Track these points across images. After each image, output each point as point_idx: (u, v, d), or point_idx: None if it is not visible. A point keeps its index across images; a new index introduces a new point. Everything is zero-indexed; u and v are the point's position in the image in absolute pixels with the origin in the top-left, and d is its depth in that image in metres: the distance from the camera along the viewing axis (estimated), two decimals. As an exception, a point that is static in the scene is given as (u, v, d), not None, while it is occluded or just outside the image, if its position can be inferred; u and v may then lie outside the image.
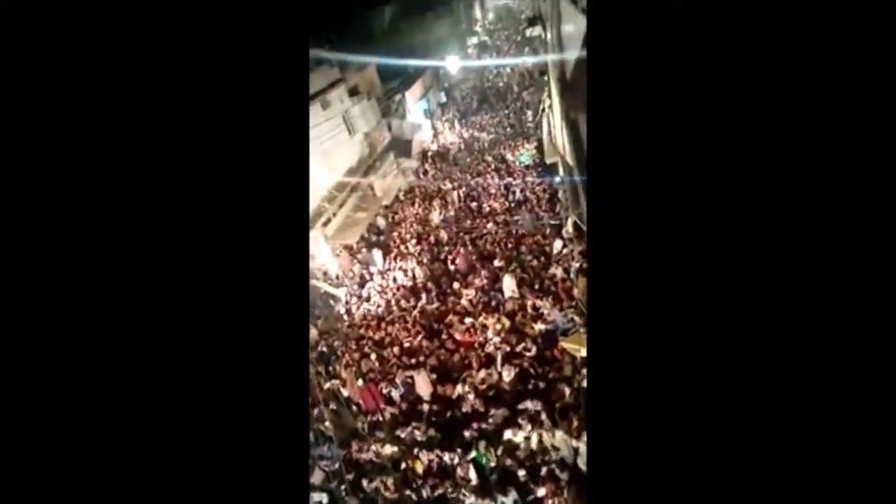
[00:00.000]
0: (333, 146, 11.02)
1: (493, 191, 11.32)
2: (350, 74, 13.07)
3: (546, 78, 9.72)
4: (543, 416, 4.61)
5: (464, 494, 4.27)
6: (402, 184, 13.57)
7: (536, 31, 12.08)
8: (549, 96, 8.88)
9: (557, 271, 6.89)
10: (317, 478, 4.99)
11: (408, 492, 4.57)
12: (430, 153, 15.96)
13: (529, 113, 15.73)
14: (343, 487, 4.80)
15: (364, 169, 12.40)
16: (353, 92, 12.95)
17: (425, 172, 14.50)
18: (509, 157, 13.22)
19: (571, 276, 6.46)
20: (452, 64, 18.91)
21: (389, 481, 4.63)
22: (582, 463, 4.09)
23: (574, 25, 5.21)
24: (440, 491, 4.44)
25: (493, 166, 12.97)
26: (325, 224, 10.10)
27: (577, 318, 5.53)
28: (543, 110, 10.15)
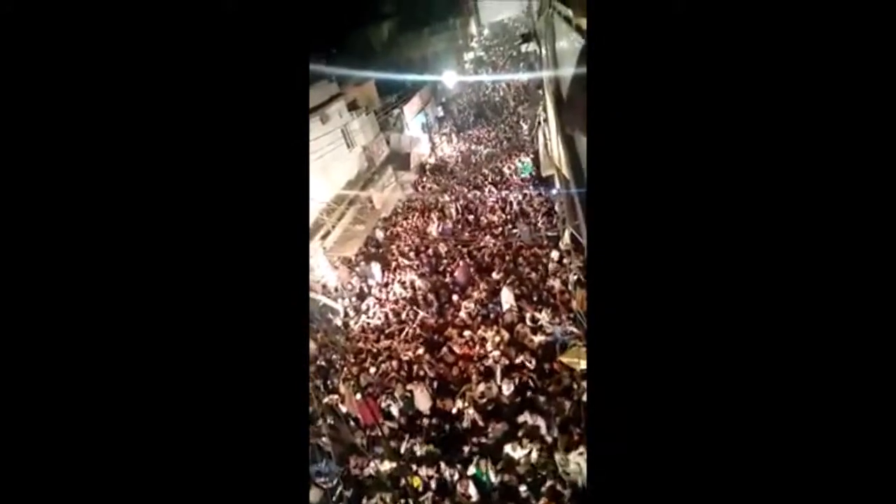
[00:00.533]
0: (332, 159, 11.09)
1: (490, 203, 11.38)
2: (349, 89, 13.24)
3: (541, 92, 9.86)
4: (543, 431, 4.58)
5: (464, 511, 4.22)
6: (400, 196, 13.63)
7: (531, 47, 12.28)
8: (545, 110, 8.99)
9: (555, 283, 6.90)
10: (315, 496, 4.91)
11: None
12: (427, 166, 16.07)
13: (525, 126, 15.91)
14: (341, 505, 4.73)
15: (363, 182, 12.47)
16: (352, 106, 13.11)
17: (423, 185, 14.58)
18: (506, 169, 13.32)
19: (569, 287, 6.46)
20: (449, 79, 19.15)
21: (388, 498, 4.56)
22: (581, 476, 4.04)
23: (568, 42, 5.32)
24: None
25: (490, 179, 13.06)
26: (324, 237, 10.11)
27: (575, 330, 5.53)
28: (539, 124, 10.27)
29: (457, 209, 11.70)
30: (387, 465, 4.95)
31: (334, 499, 4.85)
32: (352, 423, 5.85)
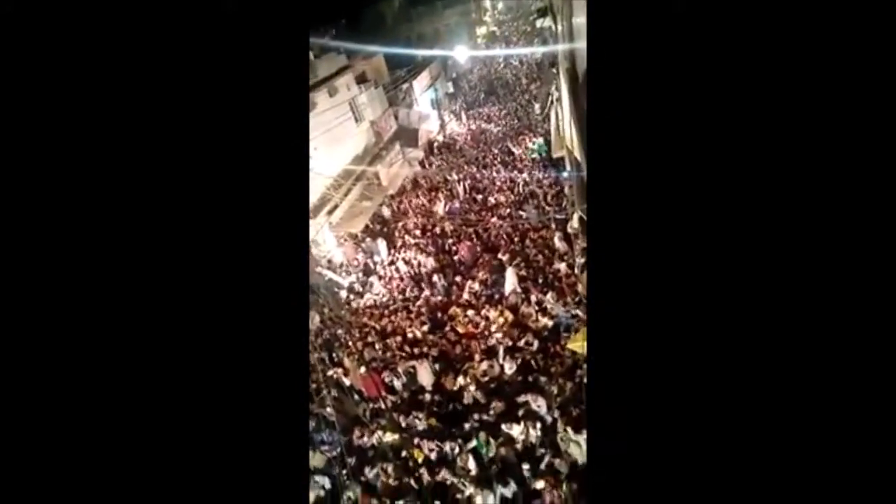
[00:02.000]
0: (340, 133, 10.98)
1: (498, 183, 11.28)
2: (357, 62, 13.02)
3: (555, 70, 9.62)
4: (544, 411, 4.66)
5: (463, 484, 4.33)
6: (407, 173, 13.53)
7: (546, 22, 11.90)
8: (558, 89, 8.80)
9: (561, 266, 6.90)
10: (318, 462, 5.06)
11: (408, 479, 4.63)
12: (436, 144, 15.89)
13: (537, 105, 15.61)
14: (344, 472, 4.87)
15: (370, 158, 12.37)
16: (361, 79, 12.90)
17: (430, 163, 14.45)
18: (516, 150, 13.14)
19: (576, 271, 6.46)
20: (461, 54, 18.72)
21: (390, 468, 4.69)
22: (580, 454, 4.13)
23: (585, 17, 5.15)
24: (440, 479, 4.49)
25: (499, 159, 12.91)
26: (331, 212, 10.10)
27: (580, 314, 5.55)
28: (552, 103, 10.06)
29: (464, 188, 11.62)
30: (389, 437, 5.08)
31: (338, 466, 4.99)
32: (355, 395, 5.97)
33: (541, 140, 12.61)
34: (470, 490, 4.27)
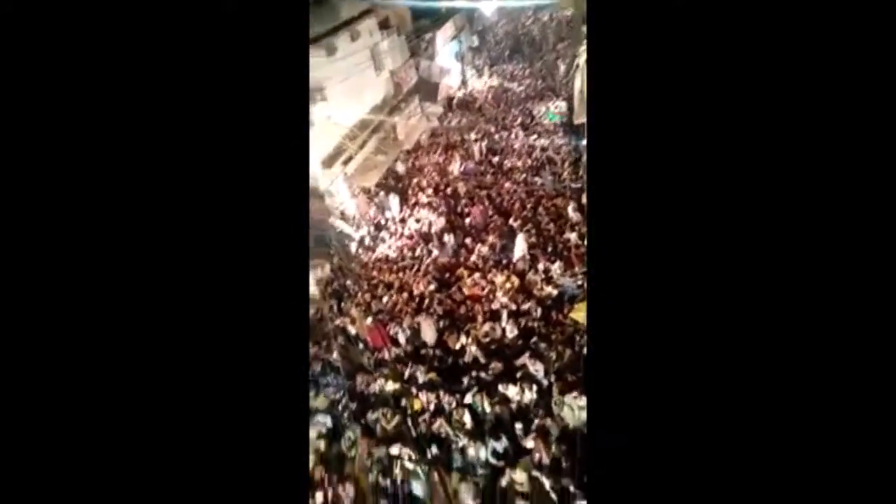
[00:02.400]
0: (359, 82, 10.69)
1: (516, 147, 11.04)
2: (380, 8, 12.42)
3: (584, 29, 9.15)
4: (541, 375, 4.83)
5: (457, 436, 4.57)
6: (424, 129, 13.24)
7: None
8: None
9: (572, 236, 6.89)
10: (322, 403, 5.35)
11: (405, 426, 4.90)
12: (455, 100, 15.43)
13: (562, 68, 14.96)
14: (346, 415, 5.16)
15: (388, 109, 12.07)
16: (384, 25, 12.36)
17: (449, 120, 14.10)
18: (537, 113, 12.75)
19: (586, 241, 6.45)
20: (487, 5, 17.72)
21: (389, 414, 4.95)
22: (572, 418, 4.32)
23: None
24: (436, 430, 4.74)
25: (519, 121, 12.56)
26: (346, 162, 10.01)
27: (586, 284, 5.61)
28: (577, 66, 9.64)
29: (480, 150, 11.40)
30: (390, 386, 5.32)
31: (340, 408, 5.29)
32: (361, 344, 6.19)
33: (563, 105, 12.19)
34: (463, 442, 4.52)
